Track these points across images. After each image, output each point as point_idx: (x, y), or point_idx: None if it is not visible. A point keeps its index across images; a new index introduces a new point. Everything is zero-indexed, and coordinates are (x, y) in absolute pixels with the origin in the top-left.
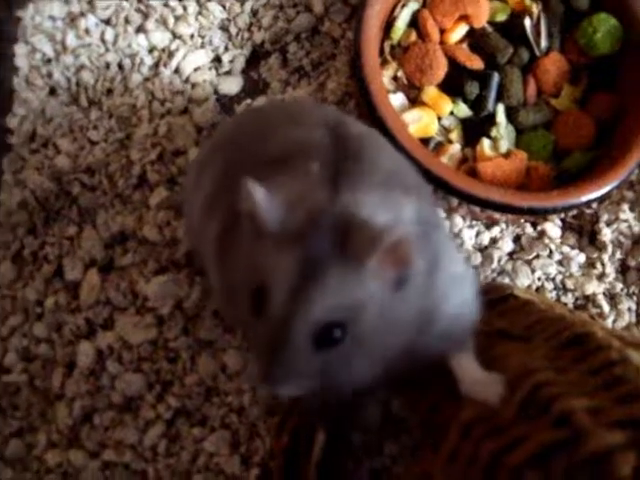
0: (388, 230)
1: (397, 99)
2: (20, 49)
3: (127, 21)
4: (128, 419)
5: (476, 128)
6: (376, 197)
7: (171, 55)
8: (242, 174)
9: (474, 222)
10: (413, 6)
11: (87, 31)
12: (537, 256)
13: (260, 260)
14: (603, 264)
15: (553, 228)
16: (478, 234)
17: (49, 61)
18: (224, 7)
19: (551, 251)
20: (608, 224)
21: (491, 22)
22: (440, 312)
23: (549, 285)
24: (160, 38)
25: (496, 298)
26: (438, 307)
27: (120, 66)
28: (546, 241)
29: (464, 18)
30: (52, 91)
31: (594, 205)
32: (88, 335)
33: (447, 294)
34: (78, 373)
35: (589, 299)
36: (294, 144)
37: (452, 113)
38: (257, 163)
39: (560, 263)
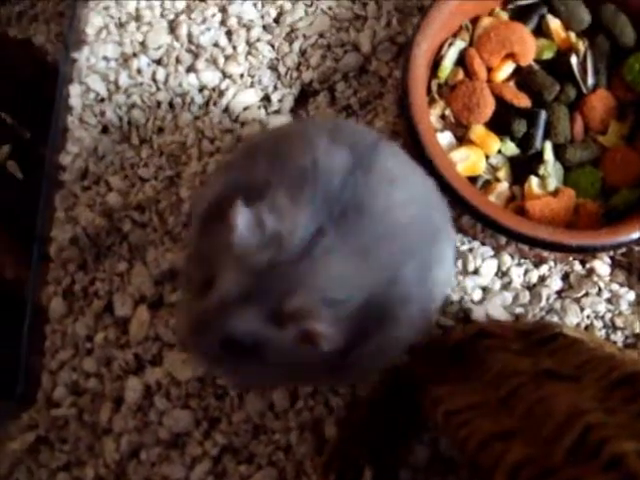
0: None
1: (445, 138)
2: (74, 89)
3: (178, 61)
4: (175, 455)
5: (524, 166)
6: (342, 270)
7: (221, 94)
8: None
9: (522, 260)
10: (460, 45)
11: (139, 71)
12: (586, 294)
13: (218, 261)
14: None
15: (602, 266)
16: (526, 272)
17: (102, 100)
18: (273, 47)
19: (600, 289)
20: None
21: (537, 60)
22: None
23: (598, 323)
24: (210, 77)
25: (545, 337)
26: None
27: (171, 105)
28: (595, 279)
29: (511, 56)
30: (104, 129)
31: None
32: (137, 371)
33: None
34: (126, 408)
35: (639, 337)
36: (310, 163)
37: (500, 151)
38: (274, 170)
39: (609, 301)
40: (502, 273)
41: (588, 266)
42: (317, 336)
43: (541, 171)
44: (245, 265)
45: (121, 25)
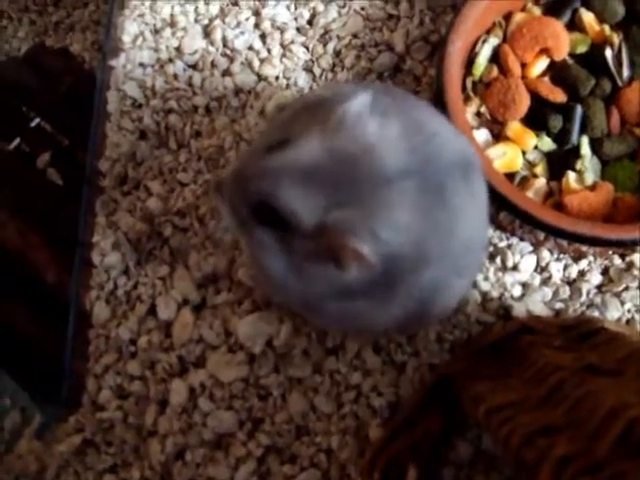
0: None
1: (481, 135)
2: (112, 96)
3: (213, 65)
4: (220, 456)
5: (561, 161)
6: (406, 216)
7: (257, 97)
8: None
9: (561, 255)
10: (493, 42)
11: (175, 76)
12: (626, 288)
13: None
14: None
15: None
16: (566, 267)
17: (139, 106)
18: (307, 49)
19: None
20: None
21: (572, 54)
22: None
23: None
24: (246, 80)
25: (586, 332)
26: None
27: (207, 109)
28: (635, 272)
29: (545, 51)
30: (142, 135)
31: None
32: (181, 373)
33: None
34: (171, 410)
35: None
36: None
37: (536, 147)
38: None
39: None
40: (541, 268)
41: (628, 260)
42: (348, 251)
43: (578, 166)
44: (334, 144)
45: (156, 31)
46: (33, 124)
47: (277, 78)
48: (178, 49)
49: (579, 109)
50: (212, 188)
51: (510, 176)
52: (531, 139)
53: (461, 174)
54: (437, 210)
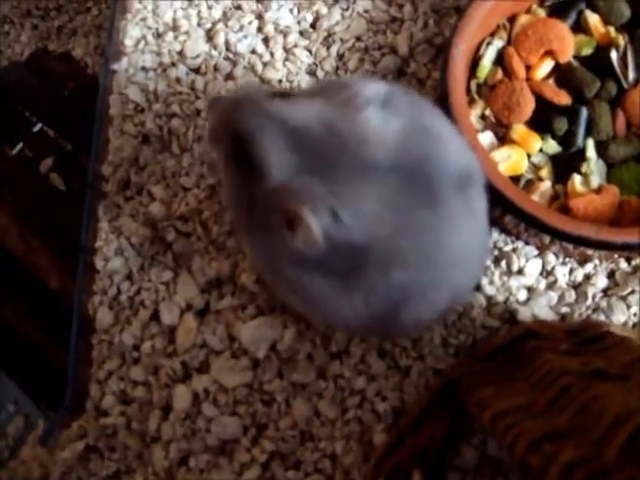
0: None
1: (486, 138)
2: (114, 100)
3: (216, 69)
4: (224, 462)
5: (566, 164)
6: (371, 204)
7: None
8: None
9: (567, 259)
10: (498, 44)
11: (178, 80)
12: (632, 292)
13: None
14: None
15: None
16: (571, 271)
17: (142, 110)
18: (310, 52)
19: None
20: None
21: (577, 56)
22: None
23: None
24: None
25: (592, 336)
26: None
27: None
28: None
29: (549, 54)
30: (145, 139)
31: None
32: (184, 378)
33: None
34: (174, 416)
35: None
36: None
37: (541, 150)
38: None
39: None
40: (547, 272)
41: (634, 263)
42: (300, 221)
43: (584, 169)
44: (332, 118)
45: (159, 35)
46: (36, 129)
47: (280, 82)
48: (181, 53)
49: (584, 112)
50: (208, 102)
51: (515, 179)
52: (536, 142)
53: (458, 186)
54: (421, 215)
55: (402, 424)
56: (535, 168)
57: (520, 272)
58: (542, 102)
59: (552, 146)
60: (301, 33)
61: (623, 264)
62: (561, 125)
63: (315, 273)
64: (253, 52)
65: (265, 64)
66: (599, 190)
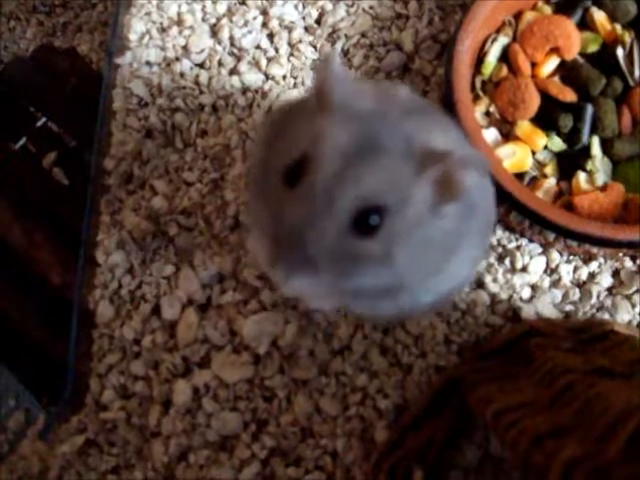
0: (455, 156)
1: (490, 134)
2: (118, 94)
3: (220, 64)
4: (224, 458)
5: (571, 161)
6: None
7: (264, 96)
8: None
9: (571, 257)
10: (503, 41)
11: (182, 75)
12: (637, 290)
13: (311, 132)
14: None
15: None
16: (576, 269)
17: (145, 105)
18: (315, 48)
19: None
20: None
21: (582, 53)
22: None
23: None
24: (253, 79)
25: (596, 335)
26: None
27: (214, 108)
28: None
29: (555, 51)
30: (148, 134)
31: None
32: (185, 373)
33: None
34: (174, 411)
35: None
36: None
37: (546, 147)
38: None
39: None
40: (551, 270)
41: (639, 262)
42: (461, 181)
43: (589, 166)
44: (349, 116)
45: (163, 30)
46: (39, 124)
47: (284, 77)
48: (185, 48)
49: (590, 109)
50: (269, 265)
51: (520, 176)
52: (541, 139)
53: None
54: None
55: (404, 421)
56: (540, 165)
57: (524, 270)
58: (547, 99)
59: (557, 143)
60: (306, 29)
61: (628, 263)
62: (566, 122)
63: None
64: (258, 47)
65: (270, 59)
66: (604, 188)
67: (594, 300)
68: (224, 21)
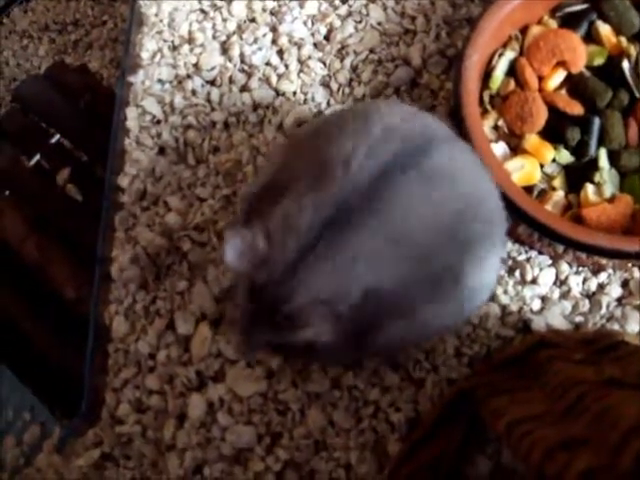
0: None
1: (499, 148)
2: (131, 112)
3: (231, 81)
4: (238, 471)
5: (579, 174)
6: (329, 277)
7: (275, 112)
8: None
9: (580, 268)
10: (510, 55)
11: (194, 92)
12: None
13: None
14: None
15: None
16: (585, 280)
17: (158, 122)
18: (324, 64)
19: None
20: None
21: (589, 66)
22: None
23: None
24: (264, 96)
25: (606, 345)
26: None
27: (226, 124)
28: None
29: (561, 64)
30: (161, 150)
31: None
32: (199, 387)
33: None
34: (189, 425)
35: None
36: (335, 155)
37: (554, 160)
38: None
39: None
40: (560, 282)
41: None
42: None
43: (597, 178)
44: (247, 282)
45: (174, 48)
46: (53, 140)
47: (295, 93)
48: (196, 65)
49: (597, 121)
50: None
51: (528, 189)
52: (549, 152)
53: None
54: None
55: (416, 434)
56: (548, 178)
57: (534, 282)
58: (555, 112)
59: (565, 156)
60: (315, 45)
61: (637, 273)
62: (574, 135)
63: None
64: (268, 64)
65: (280, 76)
66: (612, 199)
67: (604, 311)
68: (234, 38)
